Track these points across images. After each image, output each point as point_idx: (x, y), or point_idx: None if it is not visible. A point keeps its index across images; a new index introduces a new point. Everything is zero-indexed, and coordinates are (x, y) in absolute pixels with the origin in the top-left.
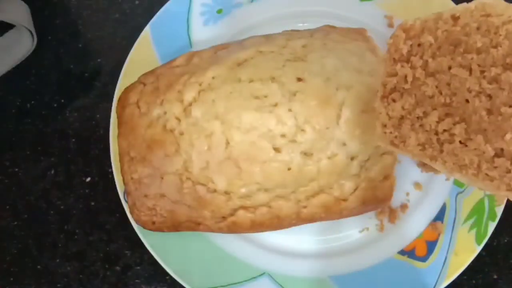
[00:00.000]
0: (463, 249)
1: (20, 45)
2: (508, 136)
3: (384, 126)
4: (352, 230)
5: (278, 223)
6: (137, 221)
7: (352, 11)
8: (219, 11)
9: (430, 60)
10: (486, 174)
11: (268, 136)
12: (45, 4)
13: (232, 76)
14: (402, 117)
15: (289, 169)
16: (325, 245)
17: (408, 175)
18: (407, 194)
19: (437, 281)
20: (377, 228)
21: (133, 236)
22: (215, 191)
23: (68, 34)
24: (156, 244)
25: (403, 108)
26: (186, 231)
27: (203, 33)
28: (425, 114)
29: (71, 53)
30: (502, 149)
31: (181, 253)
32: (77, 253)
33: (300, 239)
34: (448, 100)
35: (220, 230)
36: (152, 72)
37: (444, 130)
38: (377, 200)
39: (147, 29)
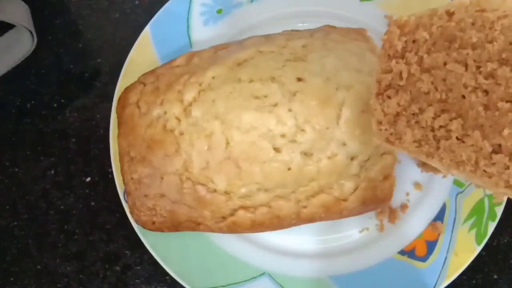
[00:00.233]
0: (463, 249)
1: (20, 45)
2: (506, 132)
3: (380, 123)
4: (352, 230)
5: (278, 223)
6: (137, 221)
7: (352, 11)
8: (219, 11)
9: (425, 56)
10: (484, 171)
11: (268, 136)
12: (45, 4)
13: (232, 76)
14: (397, 114)
15: (289, 169)
16: (325, 245)
17: (408, 175)
18: (407, 194)
19: (437, 281)
20: (377, 228)
21: (133, 236)
22: (215, 191)
23: (68, 34)
24: (156, 244)
25: (398, 104)
26: (186, 231)
27: (203, 33)
28: (421, 110)
29: (71, 53)
30: (500, 145)
31: (181, 253)
32: (77, 253)
33: (300, 239)
34: (444, 96)
35: (220, 230)
36: (152, 72)
37: (441, 126)
38: (377, 200)
39: (147, 29)
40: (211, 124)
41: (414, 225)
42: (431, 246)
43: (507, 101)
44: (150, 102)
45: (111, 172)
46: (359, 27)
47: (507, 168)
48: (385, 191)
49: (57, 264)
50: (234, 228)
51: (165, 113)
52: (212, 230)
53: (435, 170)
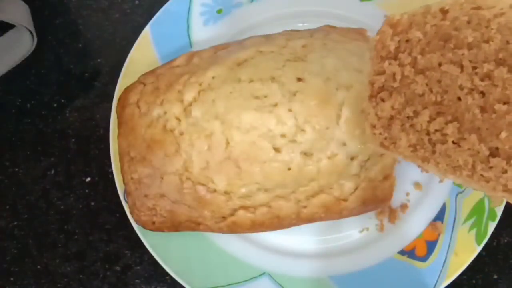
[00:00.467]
0: (463, 249)
1: (20, 45)
2: (503, 135)
3: (373, 127)
4: (352, 230)
5: (278, 223)
6: (137, 221)
7: (352, 11)
8: (219, 11)
9: (419, 56)
10: (481, 175)
11: (268, 136)
12: (45, 4)
13: (232, 76)
14: (391, 117)
15: (289, 169)
16: (325, 245)
17: (408, 175)
18: (407, 194)
19: (437, 281)
20: (377, 228)
21: (133, 236)
22: (215, 191)
23: (68, 34)
24: (156, 244)
25: (392, 107)
26: (186, 231)
27: (203, 33)
28: (416, 113)
29: (71, 53)
30: (497, 148)
31: (181, 253)
32: (77, 253)
33: (300, 239)
34: (439, 98)
35: (220, 230)
36: (152, 72)
37: (436, 130)
38: (377, 200)
39: (147, 29)
40: (211, 124)
41: (414, 225)
42: (431, 246)
43: (504, 103)
44: (150, 102)
45: (111, 172)
46: (359, 27)
47: (505, 172)
48: (385, 191)
49: (57, 264)
50: (234, 228)
51: (165, 113)
52: (212, 230)
53: None
